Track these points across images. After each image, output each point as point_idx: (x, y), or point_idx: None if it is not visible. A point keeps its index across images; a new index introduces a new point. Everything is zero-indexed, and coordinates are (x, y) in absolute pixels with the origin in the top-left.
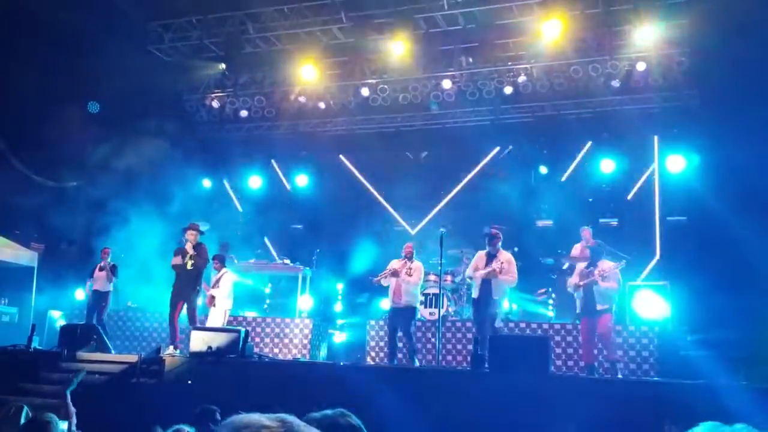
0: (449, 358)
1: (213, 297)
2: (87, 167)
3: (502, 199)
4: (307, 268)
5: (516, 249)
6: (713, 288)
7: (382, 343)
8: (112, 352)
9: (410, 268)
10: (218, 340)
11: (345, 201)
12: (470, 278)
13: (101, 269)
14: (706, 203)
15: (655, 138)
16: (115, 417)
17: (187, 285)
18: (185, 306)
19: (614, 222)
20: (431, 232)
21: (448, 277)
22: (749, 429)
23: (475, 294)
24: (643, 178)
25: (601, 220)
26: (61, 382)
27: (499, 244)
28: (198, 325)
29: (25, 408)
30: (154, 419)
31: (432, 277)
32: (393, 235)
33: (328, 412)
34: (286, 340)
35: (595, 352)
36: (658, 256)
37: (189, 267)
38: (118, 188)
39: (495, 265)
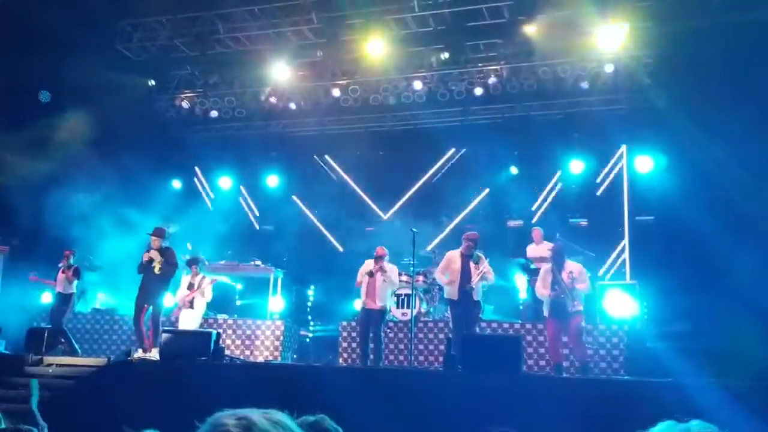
0: (421, 358)
1: (192, 299)
2: (52, 167)
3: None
4: (279, 270)
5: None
6: (681, 286)
7: (354, 344)
8: (80, 354)
9: (385, 271)
10: (189, 342)
11: (316, 201)
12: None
13: (63, 271)
14: (673, 203)
15: (624, 139)
16: (84, 421)
17: (154, 289)
18: (150, 309)
19: (584, 222)
20: (403, 233)
21: (420, 278)
22: (705, 425)
23: (454, 296)
24: (611, 178)
25: (570, 220)
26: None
27: (475, 246)
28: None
29: (1, 415)
30: (123, 423)
31: (404, 278)
32: (364, 234)
33: (310, 417)
34: (258, 342)
35: (565, 351)
36: (626, 256)
37: (157, 271)
38: (84, 189)
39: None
